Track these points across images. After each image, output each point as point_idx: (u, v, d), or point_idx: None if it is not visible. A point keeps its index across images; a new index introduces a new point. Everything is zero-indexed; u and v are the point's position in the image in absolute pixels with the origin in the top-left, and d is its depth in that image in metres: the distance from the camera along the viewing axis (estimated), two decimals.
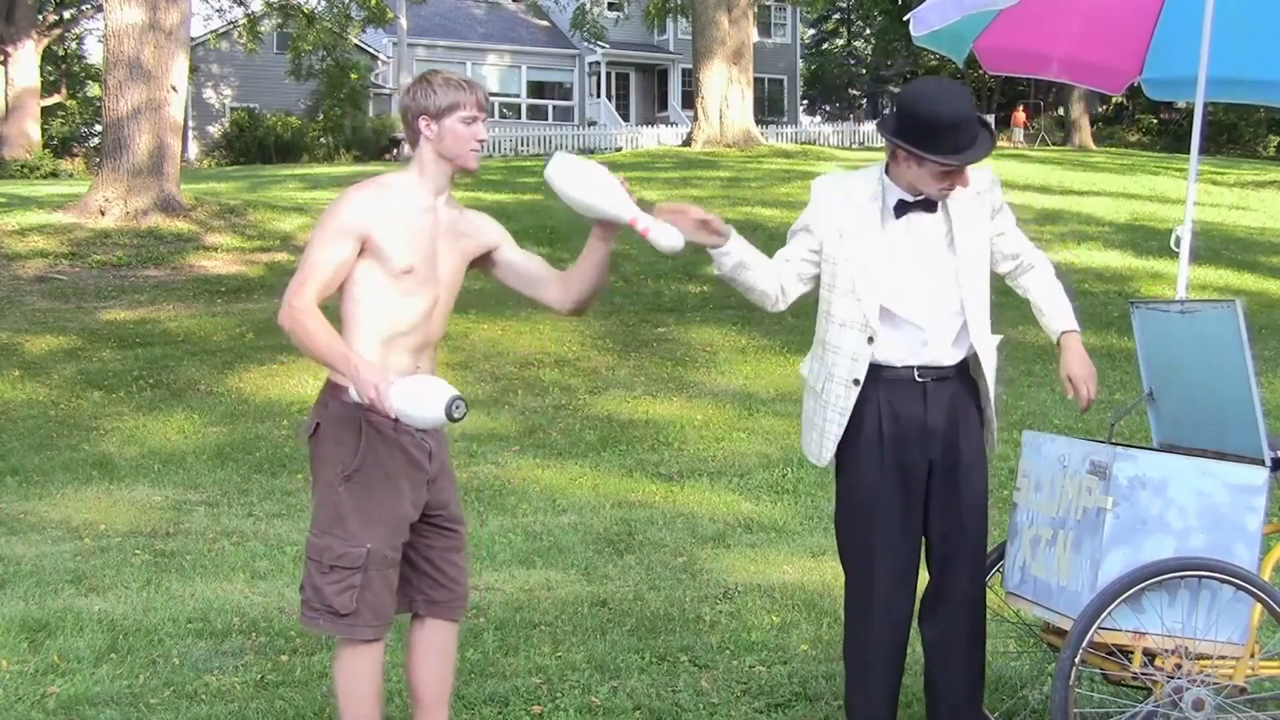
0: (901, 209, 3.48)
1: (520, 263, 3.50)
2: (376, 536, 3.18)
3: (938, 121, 3.34)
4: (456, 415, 2.96)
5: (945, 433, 3.51)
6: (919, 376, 3.50)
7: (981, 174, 3.57)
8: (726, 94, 28.37)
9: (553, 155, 3.33)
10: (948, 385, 3.53)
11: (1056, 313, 3.65)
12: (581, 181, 3.26)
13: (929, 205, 3.48)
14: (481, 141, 3.30)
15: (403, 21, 35.59)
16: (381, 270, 3.18)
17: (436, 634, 3.40)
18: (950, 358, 3.53)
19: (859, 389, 3.51)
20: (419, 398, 2.98)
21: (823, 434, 3.60)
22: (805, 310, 3.71)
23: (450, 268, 3.33)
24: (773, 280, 3.59)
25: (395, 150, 37.37)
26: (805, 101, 53.85)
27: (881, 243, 3.48)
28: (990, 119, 41.18)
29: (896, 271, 3.48)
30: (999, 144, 38.14)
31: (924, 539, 3.59)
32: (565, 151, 3.26)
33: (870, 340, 3.48)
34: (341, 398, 3.19)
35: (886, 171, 3.51)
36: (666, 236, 3.25)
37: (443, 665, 3.42)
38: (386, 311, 3.19)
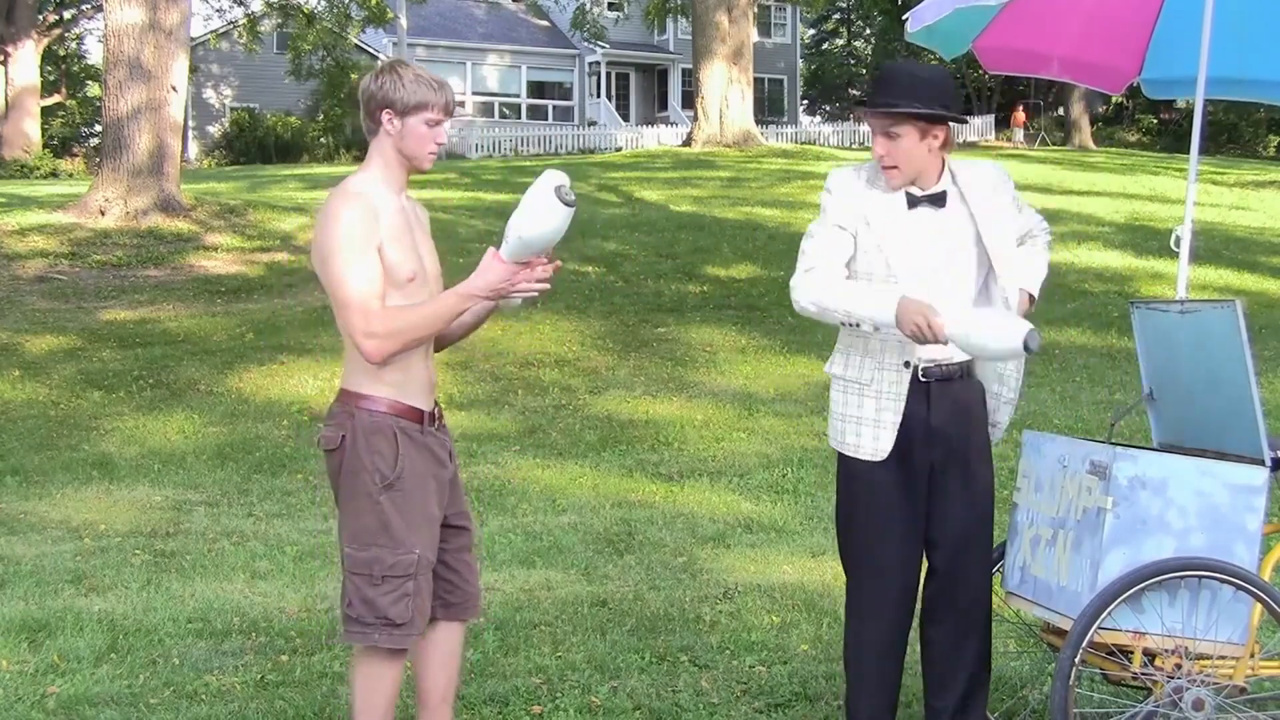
0: (911, 202, 3.46)
1: None
2: (422, 541, 3.15)
3: (878, 71, 3.42)
4: (566, 199, 2.94)
5: (948, 434, 3.49)
6: (923, 376, 3.47)
7: (989, 168, 3.56)
8: (726, 94, 28.38)
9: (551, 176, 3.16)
10: (953, 386, 3.50)
11: (1020, 270, 3.57)
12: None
13: (936, 200, 3.46)
14: (440, 144, 3.20)
15: (403, 21, 35.55)
16: (386, 283, 3.10)
17: (446, 635, 3.39)
18: (959, 354, 3.48)
19: (910, 372, 3.46)
20: (529, 212, 2.97)
21: (877, 426, 3.47)
22: None
23: (432, 258, 3.28)
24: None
25: None
26: (805, 101, 53.83)
27: (906, 229, 3.45)
28: (980, 121, 41.32)
29: (919, 261, 3.45)
30: (999, 144, 38.30)
31: (927, 540, 3.58)
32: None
33: None
34: (368, 406, 3.13)
35: None
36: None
37: (450, 666, 3.41)
38: None
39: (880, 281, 3.42)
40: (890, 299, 3.31)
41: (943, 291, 3.40)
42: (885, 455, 3.46)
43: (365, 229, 3.06)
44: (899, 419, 3.45)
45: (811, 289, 3.43)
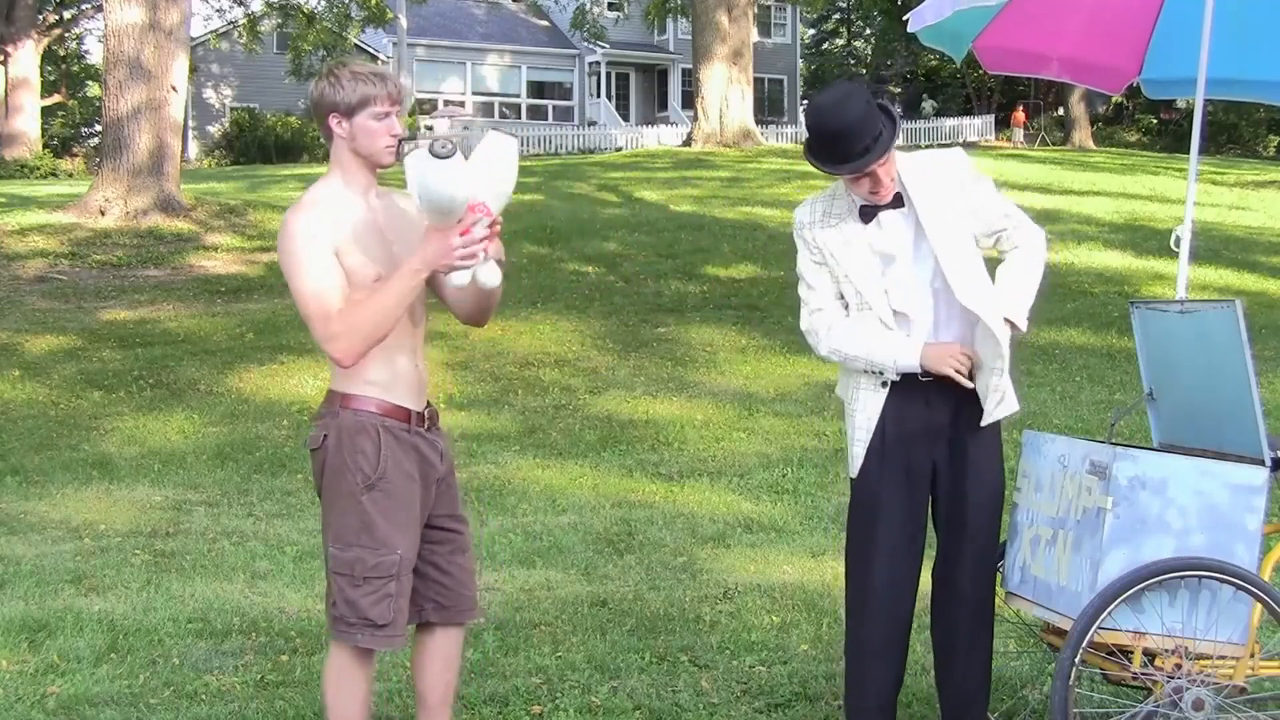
0: (868, 213, 3.48)
1: None
2: (404, 541, 3.14)
3: (815, 132, 3.39)
4: (438, 151, 2.83)
5: (949, 433, 3.49)
6: (923, 376, 3.48)
7: (928, 158, 3.55)
8: (726, 94, 28.40)
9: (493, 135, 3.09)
10: (956, 384, 3.49)
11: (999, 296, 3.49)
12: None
13: (895, 201, 3.47)
14: (395, 136, 3.14)
15: (403, 21, 35.55)
16: (352, 288, 3.07)
17: (444, 639, 3.37)
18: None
19: (888, 390, 3.49)
20: (412, 174, 2.91)
21: (851, 443, 3.57)
22: None
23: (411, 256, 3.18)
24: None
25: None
26: (805, 101, 53.82)
27: (866, 249, 3.49)
28: (980, 121, 41.33)
29: (884, 271, 3.48)
30: (999, 144, 38.27)
31: (937, 539, 3.59)
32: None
33: None
34: (353, 406, 3.13)
35: None
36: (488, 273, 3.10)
37: (449, 669, 3.40)
38: None
39: (856, 309, 3.50)
40: (910, 347, 3.43)
41: (910, 295, 3.46)
42: (856, 471, 3.54)
43: (316, 237, 3.04)
44: (869, 435, 3.52)
45: (830, 338, 3.54)
